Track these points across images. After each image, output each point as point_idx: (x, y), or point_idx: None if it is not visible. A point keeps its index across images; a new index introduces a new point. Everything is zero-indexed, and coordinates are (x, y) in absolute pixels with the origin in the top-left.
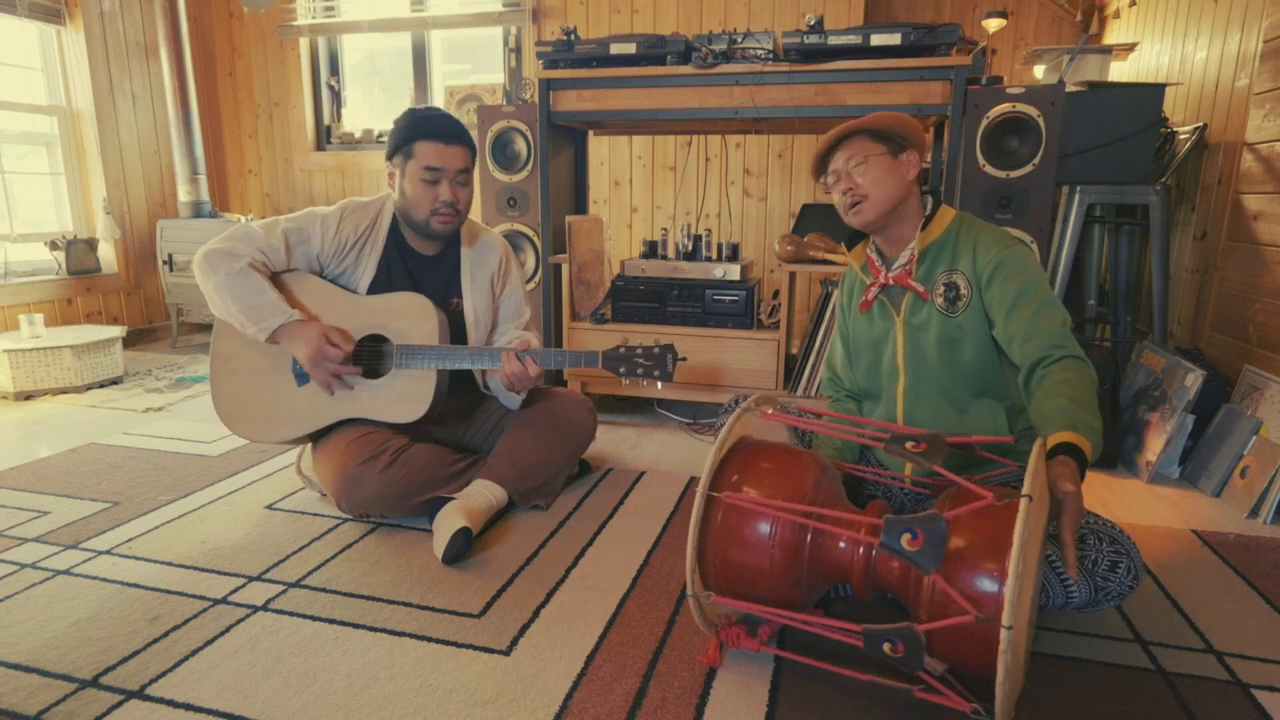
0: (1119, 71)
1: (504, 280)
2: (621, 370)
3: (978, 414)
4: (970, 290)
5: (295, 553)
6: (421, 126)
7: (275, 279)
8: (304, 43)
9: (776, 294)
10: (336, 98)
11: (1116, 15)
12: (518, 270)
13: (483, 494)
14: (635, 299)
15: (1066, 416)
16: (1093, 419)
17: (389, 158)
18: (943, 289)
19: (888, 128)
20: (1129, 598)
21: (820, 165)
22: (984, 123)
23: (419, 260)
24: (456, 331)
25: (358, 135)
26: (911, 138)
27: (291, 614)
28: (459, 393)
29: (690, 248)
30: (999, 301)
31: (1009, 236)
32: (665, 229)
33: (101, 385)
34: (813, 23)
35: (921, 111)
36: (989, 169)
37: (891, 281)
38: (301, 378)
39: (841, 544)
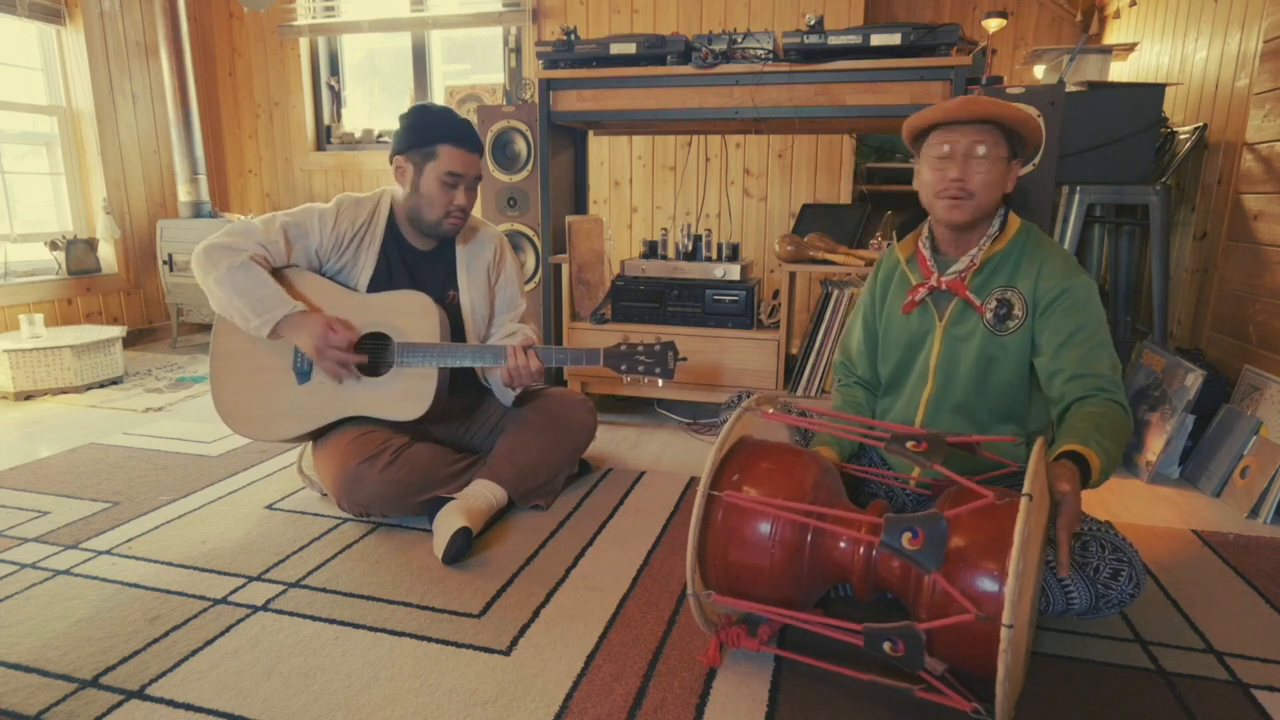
0: (1119, 71)
1: (499, 271)
2: (623, 368)
3: (994, 435)
4: (1025, 313)
5: (295, 553)
6: (446, 130)
7: (276, 277)
8: (304, 43)
9: (776, 294)
10: (336, 98)
11: (1116, 15)
12: (513, 262)
13: (483, 494)
14: (635, 299)
15: (1082, 435)
16: (1110, 445)
17: (401, 151)
18: (995, 304)
19: (1022, 130)
20: (1130, 605)
21: (922, 133)
22: None
23: (417, 255)
24: (453, 324)
25: (358, 135)
26: (1029, 149)
27: (291, 614)
28: (460, 392)
29: (690, 248)
30: (1052, 332)
31: (1074, 263)
32: (665, 229)
33: (101, 385)
34: (813, 23)
35: None
36: None
37: (943, 285)
38: (302, 375)
39: (842, 543)
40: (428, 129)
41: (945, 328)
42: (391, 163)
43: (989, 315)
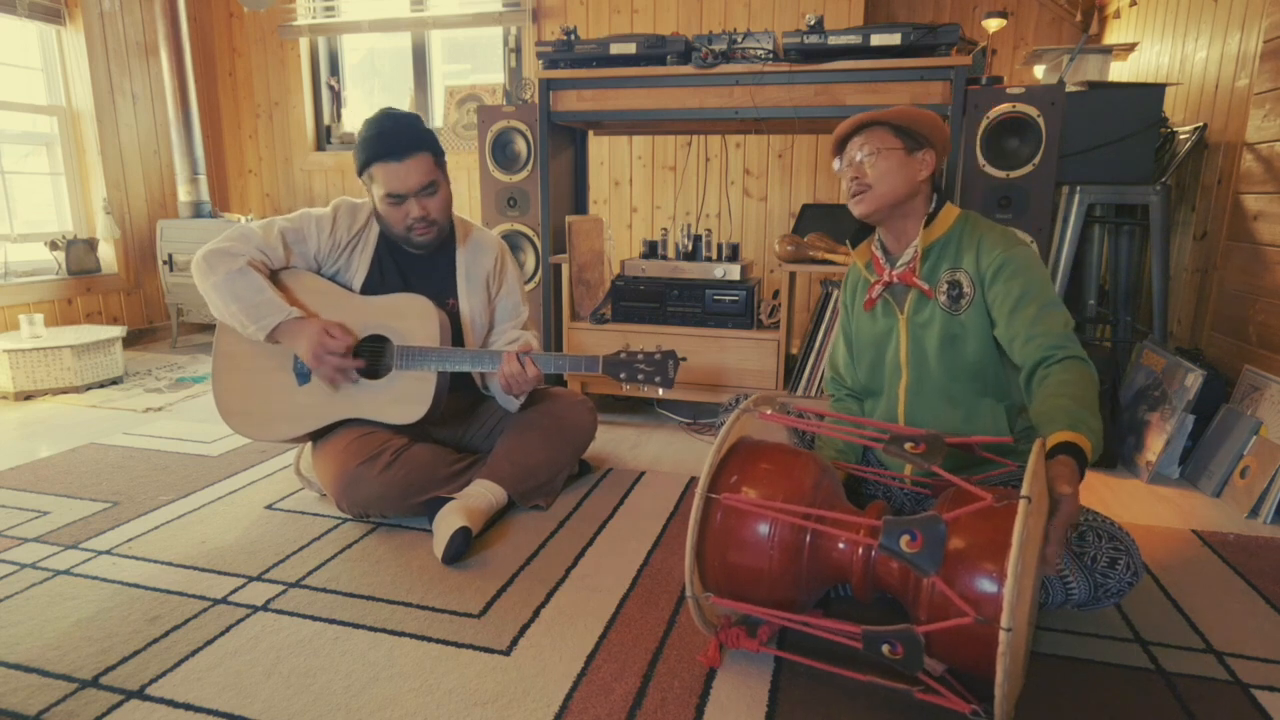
0: (1119, 71)
1: (500, 280)
2: (622, 376)
3: (978, 413)
4: (973, 289)
5: (295, 553)
6: (374, 146)
7: (276, 279)
8: (304, 43)
9: (776, 294)
10: (336, 98)
11: (1116, 15)
12: (514, 270)
13: (482, 494)
14: (635, 299)
15: (1067, 416)
16: (1094, 419)
17: (359, 175)
18: (946, 287)
19: (909, 123)
20: (1128, 595)
21: (838, 147)
22: (984, 123)
23: (411, 260)
24: (453, 331)
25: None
26: (932, 137)
27: (291, 614)
28: (459, 393)
29: (690, 248)
30: (1001, 301)
31: (1013, 235)
32: (665, 229)
33: (101, 385)
34: (813, 23)
35: None
36: (989, 169)
37: (896, 279)
38: (303, 377)
39: (841, 545)
40: (363, 150)
41: (907, 319)
42: None
43: (942, 298)
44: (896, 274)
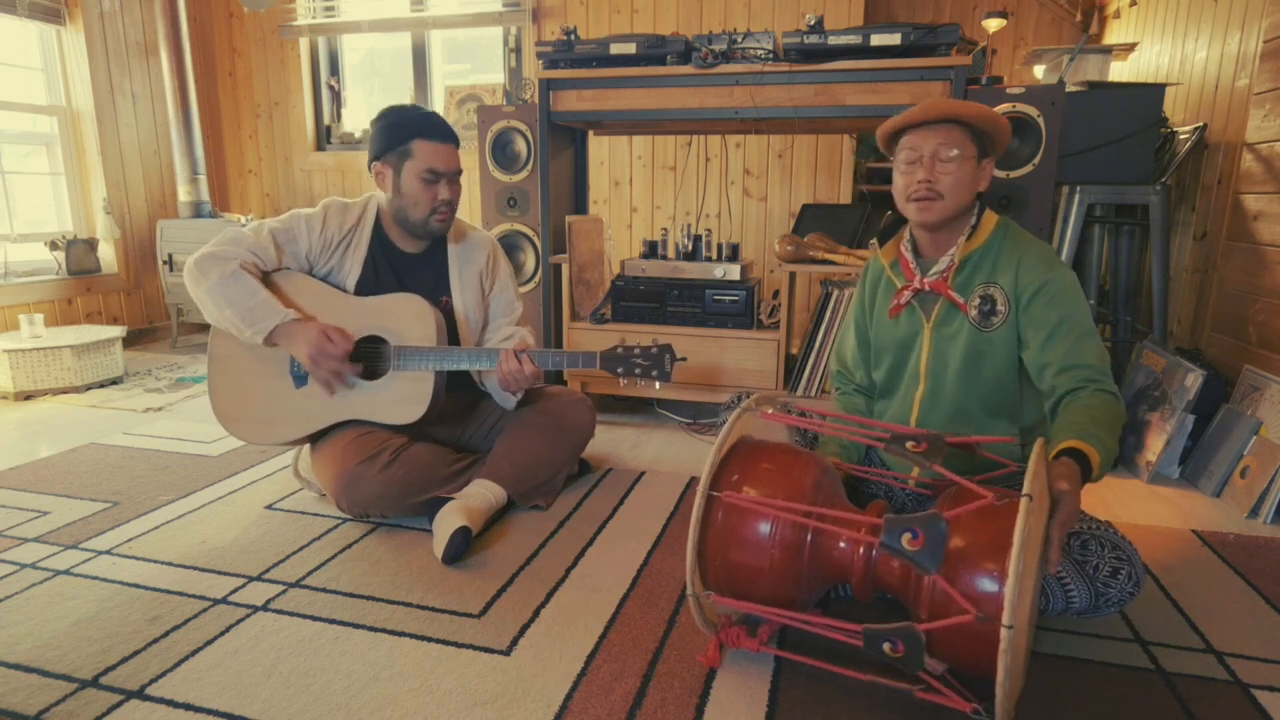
0: (1119, 71)
1: (493, 277)
2: (619, 370)
3: (990, 432)
4: (1008, 307)
5: (295, 553)
6: (419, 125)
7: (270, 282)
8: (304, 43)
9: (776, 294)
10: (336, 98)
11: (1116, 15)
12: (506, 267)
13: (482, 494)
14: (635, 299)
15: (1079, 430)
16: (1107, 437)
17: (378, 157)
18: (979, 301)
19: (989, 129)
20: (1129, 604)
21: (894, 136)
22: None
23: (404, 259)
24: (448, 329)
25: (358, 135)
26: (999, 148)
27: (291, 614)
28: (457, 392)
29: (690, 248)
30: (1037, 326)
31: (1052, 254)
32: (665, 229)
33: (101, 385)
34: (813, 23)
35: None
36: None
37: (927, 287)
38: (300, 379)
39: (841, 544)
40: (401, 128)
41: (933, 328)
42: (371, 170)
43: (973, 312)
44: (929, 282)
